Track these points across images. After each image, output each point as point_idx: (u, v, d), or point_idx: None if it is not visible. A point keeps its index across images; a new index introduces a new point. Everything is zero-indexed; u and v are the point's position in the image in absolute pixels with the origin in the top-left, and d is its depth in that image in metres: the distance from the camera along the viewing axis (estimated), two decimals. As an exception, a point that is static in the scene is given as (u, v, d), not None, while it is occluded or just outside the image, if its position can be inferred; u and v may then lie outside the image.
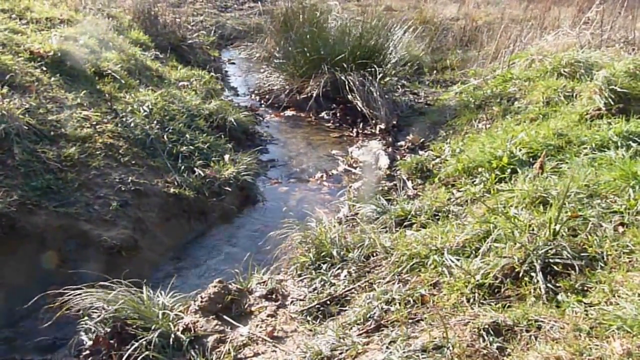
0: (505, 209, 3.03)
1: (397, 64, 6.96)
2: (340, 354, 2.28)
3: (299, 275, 3.14)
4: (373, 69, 6.36)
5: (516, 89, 5.30)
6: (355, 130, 6.11)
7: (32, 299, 3.00)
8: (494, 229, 2.75)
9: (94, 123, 4.25)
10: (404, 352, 2.11)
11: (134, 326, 2.46)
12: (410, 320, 2.40)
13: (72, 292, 2.66)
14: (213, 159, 4.51)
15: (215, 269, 3.49)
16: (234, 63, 9.09)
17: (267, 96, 7.06)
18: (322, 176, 4.93)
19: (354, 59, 6.48)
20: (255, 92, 7.32)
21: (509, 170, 3.67)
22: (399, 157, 5.15)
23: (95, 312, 2.63)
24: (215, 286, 2.84)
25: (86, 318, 2.65)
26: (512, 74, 5.72)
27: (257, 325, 2.64)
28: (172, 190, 3.92)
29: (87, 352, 2.52)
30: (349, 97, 6.29)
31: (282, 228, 3.48)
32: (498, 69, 6.30)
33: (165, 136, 4.49)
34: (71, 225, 3.33)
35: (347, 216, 3.99)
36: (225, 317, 2.69)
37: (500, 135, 4.24)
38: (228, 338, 2.51)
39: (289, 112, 6.58)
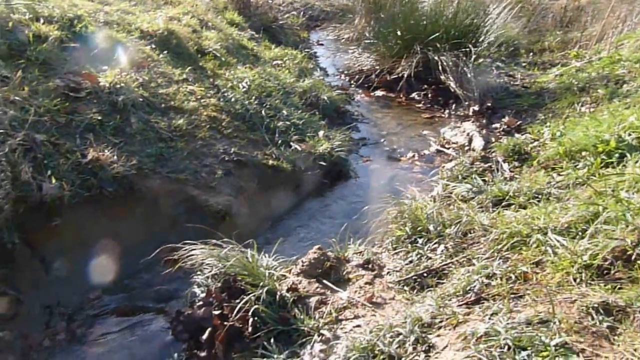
0: (615, 192, 2.91)
1: (492, 44, 6.77)
2: (440, 321, 2.32)
3: (394, 249, 3.19)
4: (467, 49, 6.24)
5: (625, 71, 5.02)
6: (447, 111, 6.04)
7: (147, 255, 3.28)
8: (603, 211, 2.66)
9: (199, 97, 4.50)
10: (507, 324, 2.11)
11: (244, 282, 2.63)
12: (512, 296, 2.40)
13: (187, 248, 2.88)
14: (308, 134, 4.64)
15: (309, 239, 3.62)
16: (322, 44, 9.19)
17: (356, 76, 7.12)
18: (413, 156, 4.94)
19: (448, 39, 6.38)
20: (345, 72, 7.40)
21: (616, 155, 3.50)
22: (493, 139, 5.04)
23: (207, 268, 2.83)
24: (315, 252, 2.96)
25: (198, 273, 2.86)
26: (620, 55, 5.41)
27: (355, 291, 2.73)
28: (270, 162, 4.10)
29: (200, 303, 2.72)
30: (442, 77, 6.23)
31: (376, 203, 3.54)
32: (603, 51, 5.98)
33: (263, 111, 4.67)
34: (181, 190, 3.59)
35: (441, 195, 3.98)
36: (324, 281, 2.80)
37: (606, 119, 4.04)
38: (329, 300, 2.62)
39: (379, 93, 6.61)
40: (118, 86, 4.01)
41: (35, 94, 3.69)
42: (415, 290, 2.73)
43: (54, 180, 3.18)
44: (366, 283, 2.82)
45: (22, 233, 2.99)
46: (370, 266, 3.01)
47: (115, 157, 3.48)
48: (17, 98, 3.56)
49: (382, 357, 2.13)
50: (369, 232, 3.43)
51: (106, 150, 3.50)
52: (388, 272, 2.96)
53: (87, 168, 3.37)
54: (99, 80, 4.06)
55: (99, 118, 3.76)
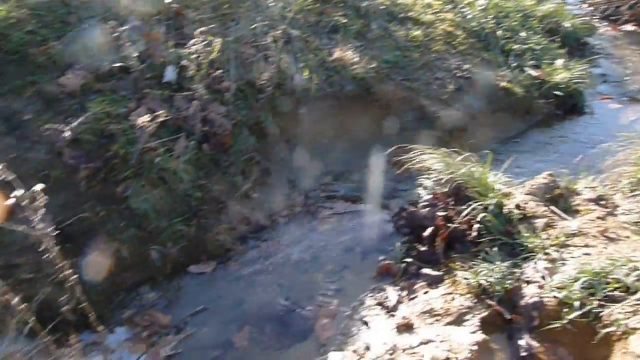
0: None
1: None
2: (690, 269, 2.17)
3: (632, 191, 2.98)
4: None
5: None
6: None
7: (374, 153, 3.54)
8: None
9: (436, 10, 4.50)
10: None
11: (471, 191, 2.71)
12: None
13: (416, 152, 3.04)
14: (544, 61, 4.38)
15: (534, 167, 3.52)
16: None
17: (602, 7, 6.35)
18: (663, 99, 4.39)
19: None
20: (588, 1, 6.65)
21: None
22: None
23: (434, 173, 2.97)
24: (545, 178, 2.90)
25: (425, 176, 3.02)
26: None
27: (585, 223, 2.64)
28: (502, 84, 3.99)
29: (425, 203, 2.89)
30: None
31: (611, 142, 3.29)
32: None
33: (498, 32, 4.50)
34: (412, 98, 3.72)
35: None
36: (552, 207, 2.75)
37: None
38: (557, 225, 2.59)
39: (628, 27, 5.86)
40: (363, -8, 4.20)
41: (292, -7, 4.05)
42: (654, 235, 2.56)
43: (304, 73, 3.53)
44: (598, 217, 2.71)
45: (274, 115, 3.42)
46: (602, 202, 2.86)
47: (356, 58, 3.71)
48: (279, -5, 3.95)
49: (616, 285, 2.09)
50: (601, 170, 3.23)
51: (349, 52, 3.75)
52: (623, 213, 2.79)
53: (331, 65, 3.66)
54: (347, -15, 4.27)
55: (344, 21, 4.01)
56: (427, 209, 2.84)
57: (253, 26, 3.62)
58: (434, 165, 3.00)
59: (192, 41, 3.20)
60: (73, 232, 2.51)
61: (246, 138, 3.20)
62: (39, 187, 1.52)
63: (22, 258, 2.43)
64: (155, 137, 2.82)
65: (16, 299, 1.73)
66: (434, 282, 2.54)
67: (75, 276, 1.78)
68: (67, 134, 2.69)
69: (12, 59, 2.97)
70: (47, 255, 1.68)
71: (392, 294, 2.54)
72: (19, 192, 1.51)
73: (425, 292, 2.50)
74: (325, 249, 2.93)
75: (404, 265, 2.70)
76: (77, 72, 3.00)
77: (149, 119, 2.72)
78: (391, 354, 2.13)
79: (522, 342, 2.10)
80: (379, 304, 2.51)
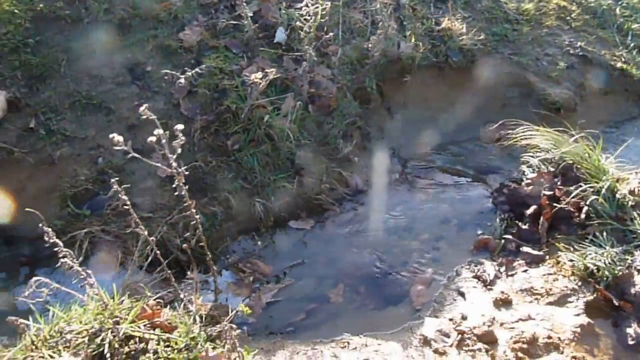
0: None
1: None
2: None
3: None
4: None
5: None
6: None
7: (474, 127, 3.48)
8: None
9: (551, -16, 4.26)
10: None
11: (581, 172, 2.61)
12: None
13: (522, 129, 2.96)
14: (666, 43, 4.08)
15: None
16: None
17: None
18: None
19: None
20: None
21: None
22: None
23: (540, 152, 2.88)
24: (658, 165, 2.75)
25: (530, 154, 2.93)
26: None
27: None
28: (618, 64, 3.76)
29: (529, 181, 2.81)
30: None
31: None
32: None
33: (617, 9, 4.22)
34: (519, 73, 3.59)
35: None
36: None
37: None
38: (674, 215, 2.45)
39: None
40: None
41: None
42: None
43: (411, 40, 3.49)
44: None
45: (378, 81, 3.42)
46: None
47: (464, 29, 3.61)
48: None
49: None
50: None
51: (456, 22, 3.65)
52: None
53: (438, 35, 3.60)
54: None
55: (453, -10, 3.90)
56: (532, 187, 2.77)
57: (362, -9, 3.61)
58: (541, 143, 2.91)
59: (302, 3, 3.23)
60: (186, 179, 2.66)
61: (350, 102, 3.23)
62: (179, 126, 1.62)
63: (140, 198, 2.61)
64: (264, 95, 2.91)
65: (145, 232, 1.88)
66: (534, 262, 2.50)
67: (198, 217, 1.89)
68: (184, 85, 2.83)
69: (136, 13, 3.15)
70: (176, 193, 1.80)
71: (489, 268, 2.52)
72: (159, 131, 1.61)
73: (525, 271, 2.46)
74: (421, 218, 2.94)
75: (502, 241, 2.66)
76: (195, 29, 3.14)
77: (260, 76, 2.81)
78: (489, 326, 2.13)
79: (629, 331, 2.04)
80: (476, 277, 2.50)
